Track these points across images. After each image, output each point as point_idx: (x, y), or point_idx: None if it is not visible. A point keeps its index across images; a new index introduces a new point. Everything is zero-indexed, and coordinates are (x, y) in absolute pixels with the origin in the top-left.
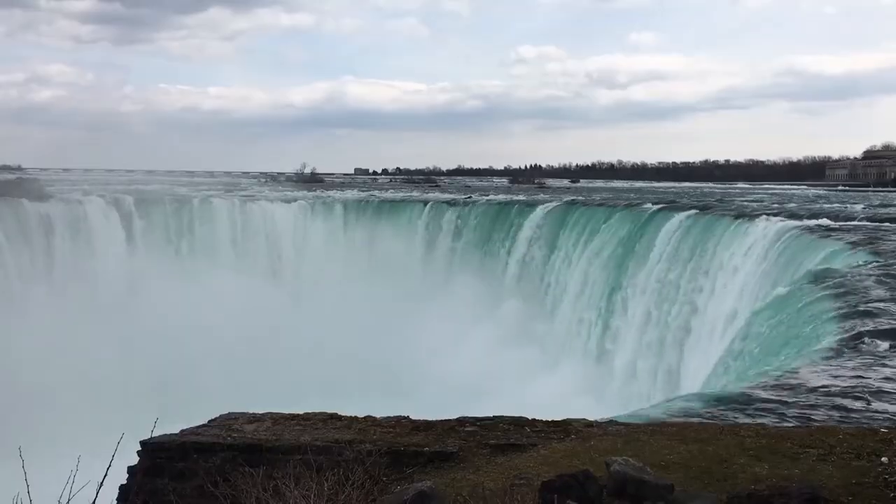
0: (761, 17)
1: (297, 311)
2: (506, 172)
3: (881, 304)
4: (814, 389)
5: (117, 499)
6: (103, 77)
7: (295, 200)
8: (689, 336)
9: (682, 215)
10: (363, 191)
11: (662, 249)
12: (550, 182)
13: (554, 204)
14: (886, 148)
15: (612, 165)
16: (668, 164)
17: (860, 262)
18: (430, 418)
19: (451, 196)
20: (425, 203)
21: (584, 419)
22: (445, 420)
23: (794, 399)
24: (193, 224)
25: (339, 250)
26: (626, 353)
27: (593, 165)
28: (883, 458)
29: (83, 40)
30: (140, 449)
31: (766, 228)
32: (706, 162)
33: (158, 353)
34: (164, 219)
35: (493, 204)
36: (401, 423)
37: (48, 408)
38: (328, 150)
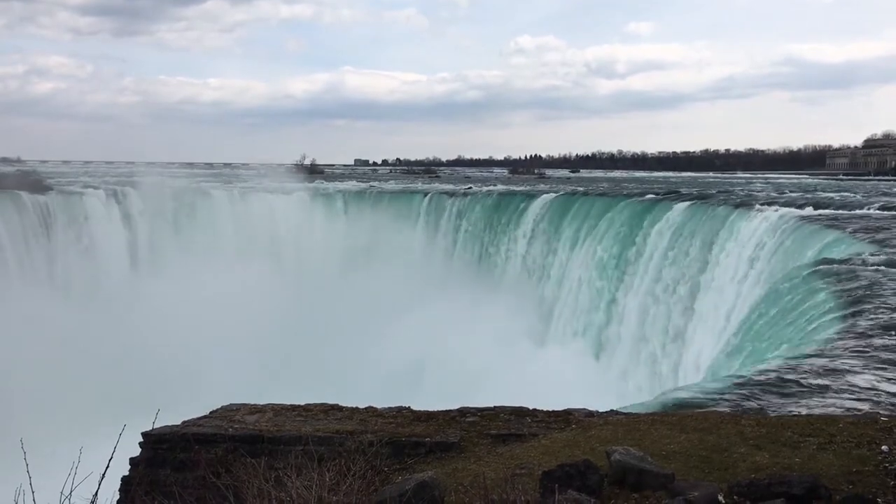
0: (760, 6)
1: (297, 303)
2: (506, 163)
3: (882, 294)
4: (814, 378)
5: (119, 490)
6: (102, 69)
7: (295, 192)
8: (690, 326)
9: (683, 205)
10: (363, 182)
11: (663, 240)
12: (550, 172)
13: (554, 195)
14: (887, 137)
15: (612, 155)
16: (668, 153)
17: (862, 251)
18: (431, 408)
19: (452, 187)
20: (425, 194)
21: (584, 409)
22: (447, 410)
23: (795, 388)
24: (193, 216)
25: (339, 242)
26: (627, 342)
27: (593, 155)
28: (883, 447)
29: (82, 32)
30: (142, 440)
31: (767, 217)
32: (706, 151)
33: (159, 345)
34: (163, 211)
35: (494, 195)
36: (402, 414)
37: (50, 399)
38: (328, 141)
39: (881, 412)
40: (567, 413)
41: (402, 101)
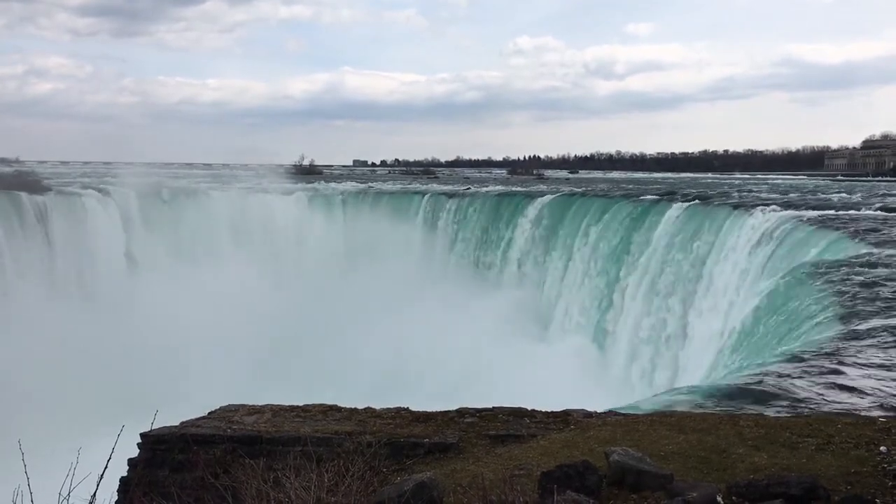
0: (760, 6)
1: (296, 303)
2: (505, 163)
3: (881, 294)
4: (812, 379)
5: (118, 491)
6: (102, 70)
7: (294, 192)
8: (689, 327)
9: (681, 205)
10: (362, 182)
11: (661, 239)
12: (549, 173)
13: (553, 195)
14: (885, 137)
15: (610, 156)
16: (666, 154)
17: (860, 252)
18: (429, 409)
19: (450, 187)
20: (424, 195)
21: (583, 409)
22: (445, 411)
23: (793, 389)
24: (192, 216)
25: (338, 242)
26: (625, 343)
27: (592, 156)
28: (881, 448)
29: (81, 33)
30: (140, 441)
31: (765, 218)
32: (705, 152)
33: (158, 345)
34: (162, 211)
35: (493, 195)
36: (400, 415)
37: (48, 400)
38: (327, 141)
39: (879, 413)
40: (566, 414)
41: (401, 101)
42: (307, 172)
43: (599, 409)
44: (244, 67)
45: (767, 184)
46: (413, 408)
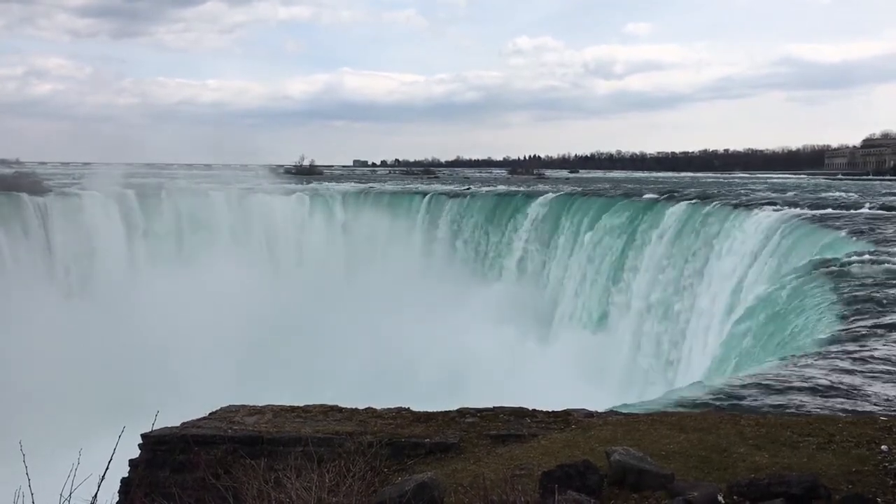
0: (759, 6)
1: (296, 304)
2: (505, 163)
3: (881, 293)
4: (813, 379)
5: (119, 491)
6: (101, 70)
7: (294, 193)
8: (689, 327)
9: (682, 205)
10: (362, 183)
11: (662, 239)
12: (549, 173)
13: (554, 195)
14: (885, 136)
15: (611, 156)
16: (666, 153)
17: (861, 251)
18: (430, 409)
19: (451, 188)
20: (424, 195)
21: (584, 409)
22: (446, 411)
23: (794, 388)
24: (192, 217)
25: (337, 242)
26: (626, 343)
27: (592, 156)
28: (882, 446)
29: (81, 34)
30: (141, 442)
31: (766, 217)
32: (705, 151)
33: (158, 346)
34: (162, 212)
35: (493, 195)
36: (401, 415)
37: (49, 401)
38: (326, 141)
39: (880, 412)
40: (566, 413)
41: (400, 101)
42: (307, 173)
43: (600, 409)
44: (244, 68)
45: (767, 183)
46: (414, 408)
